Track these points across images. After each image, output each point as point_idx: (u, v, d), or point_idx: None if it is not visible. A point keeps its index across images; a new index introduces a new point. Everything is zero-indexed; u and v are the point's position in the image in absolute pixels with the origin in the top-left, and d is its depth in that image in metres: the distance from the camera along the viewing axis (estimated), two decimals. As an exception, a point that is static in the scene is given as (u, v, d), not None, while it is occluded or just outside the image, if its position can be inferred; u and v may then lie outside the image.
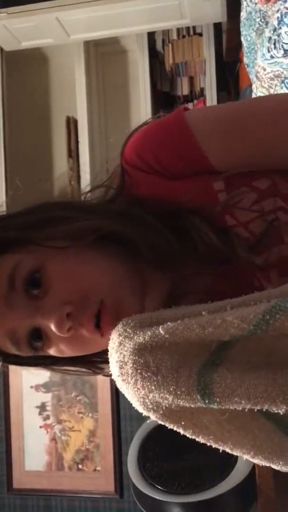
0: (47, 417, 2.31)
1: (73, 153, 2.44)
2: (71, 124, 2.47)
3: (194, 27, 2.30)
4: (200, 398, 0.45)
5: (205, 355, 0.47)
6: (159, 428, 1.80)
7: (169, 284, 0.59)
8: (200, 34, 2.30)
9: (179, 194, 0.57)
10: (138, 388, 0.48)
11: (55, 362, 0.59)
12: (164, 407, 0.48)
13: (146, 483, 1.60)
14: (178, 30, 2.32)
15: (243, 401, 0.44)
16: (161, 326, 0.48)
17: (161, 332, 0.48)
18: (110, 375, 0.62)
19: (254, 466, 1.51)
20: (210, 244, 0.55)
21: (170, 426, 0.51)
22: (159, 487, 1.57)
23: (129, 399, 0.51)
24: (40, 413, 2.32)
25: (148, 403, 0.48)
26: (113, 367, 0.50)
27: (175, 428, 0.51)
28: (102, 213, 0.58)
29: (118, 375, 0.49)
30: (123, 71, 2.58)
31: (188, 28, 2.31)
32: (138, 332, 0.49)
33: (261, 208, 0.56)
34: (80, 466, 2.25)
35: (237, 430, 0.49)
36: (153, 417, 0.50)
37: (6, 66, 2.39)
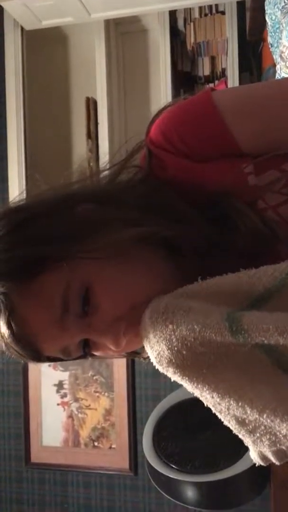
0: (65, 395, 2.36)
1: (92, 134, 2.43)
2: (91, 105, 2.45)
3: (216, 5, 2.24)
4: (227, 326, 0.46)
5: (236, 307, 0.48)
6: (174, 408, 1.83)
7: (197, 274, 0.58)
8: (223, 13, 2.24)
9: (208, 177, 0.56)
10: (166, 325, 0.48)
11: (94, 355, 0.59)
12: (187, 347, 0.48)
13: (160, 461, 1.63)
14: (200, 8, 2.27)
15: (271, 329, 0.44)
16: (195, 282, 0.50)
17: (195, 285, 0.50)
18: (147, 358, 0.64)
19: (268, 448, 1.51)
20: (253, 228, 0.54)
21: (190, 380, 0.50)
22: (173, 466, 1.60)
23: (151, 345, 0.50)
24: (57, 391, 2.37)
25: (174, 340, 0.48)
26: (145, 311, 0.50)
27: (194, 385, 0.50)
28: (142, 210, 0.55)
29: (149, 318, 0.49)
30: (144, 51, 2.55)
31: (210, 6, 2.25)
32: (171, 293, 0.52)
33: None
34: (96, 443, 2.31)
35: (259, 382, 0.49)
36: (174, 367, 0.49)
37: (26, 45, 2.37)
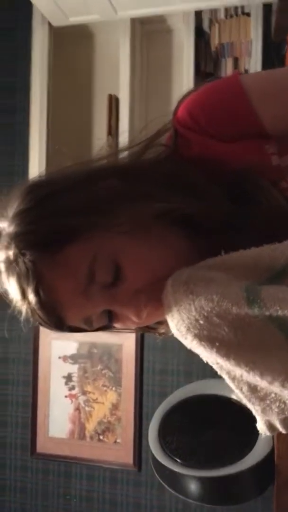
0: (73, 388, 2.38)
1: (113, 131, 2.45)
2: (113, 102, 2.48)
3: (242, 7, 2.25)
4: (245, 296, 0.47)
5: (257, 279, 0.50)
6: (181, 404, 1.83)
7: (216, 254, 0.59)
8: (248, 14, 2.25)
9: (232, 156, 0.58)
10: (187, 295, 0.50)
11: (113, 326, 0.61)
12: (204, 317, 0.49)
13: (165, 454, 1.63)
14: (226, 9, 2.28)
15: (287, 300, 0.46)
16: (218, 256, 0.52)
17: (217, 258, 0.52)
18: (163, 334, 0.66)
19: (273, 447, 1.51)
20: (276, 204, 0.55)
21: (205, 349, 0.51)
22: (178, 460, 1.60)
23: (172, 313, 0.51)
24: (66, 383, 2.39)
25: (192, 310, 0.50)
26: (168, 283, 0.52)
27: (208, 354, 0.51)
28: (166, 187, 0.57)
29: (171, 287, 0.51)
30: (168, 51, 2.57)
31: (236, 8, 2.26)
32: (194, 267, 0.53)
33: None
34: (101, 437, 2.32)
35: (270, 356, 0.50)
36: (192, 335, 0.51)
37: (53, 41, 2.42)
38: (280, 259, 0.50)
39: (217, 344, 0.50)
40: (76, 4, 2.22)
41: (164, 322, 0.64)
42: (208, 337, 0.50)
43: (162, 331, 0.67)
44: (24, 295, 0.56)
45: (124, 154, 0.63)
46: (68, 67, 2.57)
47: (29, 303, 0.56)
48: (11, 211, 0.56)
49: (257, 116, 0.57)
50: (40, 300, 0.54)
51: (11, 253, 0.55)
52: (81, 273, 0.53)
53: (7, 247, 0.56)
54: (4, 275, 0.57)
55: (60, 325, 0.56)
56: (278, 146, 0.58)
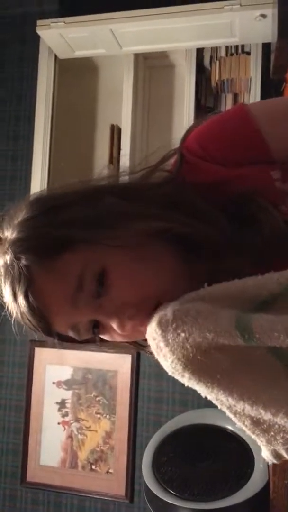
0: (66, 414, 2.35)
1: (114, 160, 2.51)
2: (115, 132, 2.54)
3: (243, 46, 2.35)
4: (239, 334, 0.47)
5: (244, 309, 0.50)
6: (176, 434, 1.81)
7: (210, 274, 0.61)
8: (248, 53, 2.34)
9: (239, 179, 0.60)
10: (178, 333, 0.50)
11: (104, 340, 0.63)
12: (203, 353, 0.49)
13: (159, 485, 1.60)
14: (226, 47, 2.37)
15: (282, 336, 0.46)
16: (201, 288, 0.52)
17: (201, 290, 0.52)
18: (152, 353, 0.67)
19: (268, 480, 1.49)
20: (277, 226, 0.57)
21: (205, 385, 0.51)
22: (172, 491, 1.57)
23: (164, 353, 0.51)
24: (59, 410, 2.36)
25: (188, 348, 0.49)
26: (153, 321, 0.52)
27: (209, 390, 0.51)
28: (165, 207, 0.59)
29: (158, 327, 0.51)
30: (169, 85, 2.65)
31: (236, 47, 2.36)
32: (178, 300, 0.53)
33: None
34: (93, 467, 2.28)
35: (271, 386, 0.50)
36: (190, 372, 0.50)
37: (58, 73, 2.49)
38: (263, 290, 0.50)
39: (219, 377, 0.50)
40: (82, 38, 2.31)
41: None
42: (208, 372, 0.50)
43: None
44: (15, 297, 0.58)
45: (126, 177, 0.66)
46: (72, 98, 2.64)
47: (19, 306, 0.58)
48: (16, 220, 0.60)
49: (263, 140, 0.59)
50: (29, 304, 0.56)
51: (8, 257, 0.58)
52: (71, 281, 0.55)
53: (6, 252, 0.59)
54: (2, 279, 0.60)
55: (48, 330, 0.58)
56: (282, 172, 0.61)
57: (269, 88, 2.23)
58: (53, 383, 2.38)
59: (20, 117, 2.56)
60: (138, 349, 0.68)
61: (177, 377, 0.53)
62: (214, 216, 0.59)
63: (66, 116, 2.59)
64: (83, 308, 0.56)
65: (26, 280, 0.56)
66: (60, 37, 2.32)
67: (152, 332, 0.52)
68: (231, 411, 0.54)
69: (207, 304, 0.51)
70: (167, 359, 0.52)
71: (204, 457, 1.67)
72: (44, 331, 0.59)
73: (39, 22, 2.29)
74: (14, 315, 0.60)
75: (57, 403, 2.37)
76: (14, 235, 0.59)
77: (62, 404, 2.36)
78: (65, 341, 0.62)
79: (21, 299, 0.57)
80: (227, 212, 0.59)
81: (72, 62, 2.50)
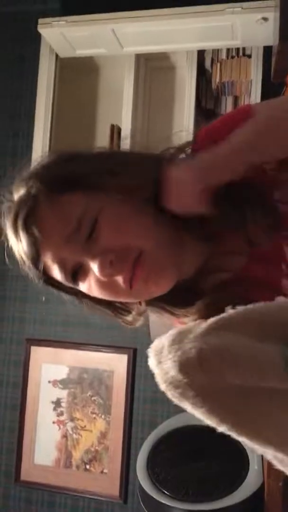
0: (61, 413, 2.34)
1: (113, 160, 2.51)
2: (115, 132, 2.54)
3: (244, 48, 2.35)
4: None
5: (281, 336, 0.45)
6: (171, 435, 1.81)
7: (205, 256, 0.65)
8: (249, 56, 2.35)
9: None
10: (214, 375, 0.44)
11: (85, 296, 0.66)
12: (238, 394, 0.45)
13: (153, 486, 1.60)
14: (228, 50, 2.38)
15: None
16: (227, 309, 0.48)
17: (229, 313, 0.47)
18: (129, 323, 0.69)
19: (263, 482, 1.49)
20: (260, 222, 0.61)
21: (248, 435, 0.47)
22: (166, 492, 1.57)
23: (194, 404, 0.47)
24: (54, 409, 2.36)
25: (233, 395, 0.45)
26: (174, 364, 0.46)
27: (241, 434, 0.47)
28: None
29: (179, 372, 0.46)
30: (170, 86, 2.66)
31: (238, 49, 2.36)
32: (197, 324, 0.48)
33: None
34: (87, 466, 2.27)
35: None
36: (229, 424, 0.47)
37: (59, 72, 2.49)
38: None
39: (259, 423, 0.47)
40: (84, 37, 2.31)
41: (132, 310, 0.69)
42: (249, 418, 0.47)
43: (129, 319, 0.70)
44: (16, 220, 0.62)
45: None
46: (73, 97, 2.64)
47: (17, 228, 0.62)
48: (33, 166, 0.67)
49: None
50: (27, 227, 0.61)
51: (24, 185, 0.64)
52: (71, 220, 0.60)
53: (25, 181, 0.65)
54: (12, 207, 0.64)
55: (36, 258, 0.62)
56: (275, 162, 0.63)
57: (269, 91, 2.23)
58: (49, 382, 2.37)
59: (20, 115, 2.55)
60: (115, 313, 0.69)
61: (211, 423, 0.49)
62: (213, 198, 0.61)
63: (66, 115, 2.59)
64: (74, 247, 0.60)
65: (31, 205, 0.62)
66: (61, 36, 2.32)
67: (174, 378, 0.47)
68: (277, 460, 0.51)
69: (229, 333, 0.46)
70: (197, 408, 0.48)
71: (199, 458, 1.67)
72: (33, 260, 0.62)
73: (40, 20, 2.29)
74: (11, 240, 0.64)
75: (52, 402, 2.37)
76: (30, 171, 0.66)
77: (57, 403, 2.36)
78: (47, 283, 0.65)
79: (20, 221, 0.61)
80: (220, 195, 0.61)
81: (73, 61, 2.50)
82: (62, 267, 0.61)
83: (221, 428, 0.48)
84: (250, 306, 0.48)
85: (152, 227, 0.61)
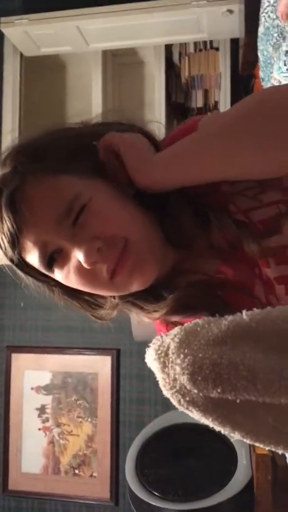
0: (46, 420, 2.31)
1: (85, 159, 2.47)
2: (86, 131, 2.50)
3: (211, 42, 2.34)
4: None
5: None
6: (159, 435, 1.80)
7: (177, 258, 0.64)
8: (217, 49, 2.34)
9: None
10: (219, 393, 0.40)
11: (58, 285, 0.64)
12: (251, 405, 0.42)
13: (143, 488, 1.59)
14: (195, 43, 2.36)
15: None
16: (244, 313, 0.42)
17: (245, 319, 0.41)
18: (101, 318, 0.67)
19: (252, 477, 1.50)
20: (227, 233, 0.61)
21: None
22: (156, 493, 1.56)
23: (204, 414, 0.45)
24: (39, 415, 2.32)
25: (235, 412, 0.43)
26: (183, 370, 0.42)
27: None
28: None
29: (189, 381, 0.42)
30: (139, 82, 2.63)
31: (205, 42, 2.35)
32: (206, 325, 0.43)
33: (260, 199, 0.62)
34: (76, 471, 2.25)
35: None
36: (230, 426, 0.45)
37: (25, 71, 2.44)
38: None
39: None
40: (48, 35, 2.26)
41: (103, 305, 0.67)
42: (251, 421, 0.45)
43: (100, 313, 0.68)
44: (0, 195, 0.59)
45: None
46: (40, 96, 2.59)
47: (3, 203, 0.59)
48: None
49: None
50: (12, 203, 0.58)
51: (7, 162, 0.62)
52: (62, 203, 0.58)
53: (9, 158, 0.62)
54: None
55: (15, 238, 0.59)
56: None
57: (239, 84, 2.23)
58: (32, 388, 2.34)
59: (-13, 117, 2.49)
60: (83, 306, 0.67)
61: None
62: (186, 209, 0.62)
63: (34, 115, 2.53)
64: (61, 230, 0.58)
65: (18, 182, 0.59)
66: (25, 34, 2.27)
67: (182, 386, 0.43)
68: None
69: (254, 347, 0.41)
70: (206, 417, 0.44)
71: (187, 456, 1.67)
72: (12, 239, 0.59)
73: (2, 19, 2.23)
74: None
75: (36, 409, 2.33)
76: (14, 147, 0.63)
77: (42, 409, 2.33)
78: (20, 268, 0.63)
79: (5, 198, 0.58)
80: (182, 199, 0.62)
81: (39, 60, 2.45)
82: (42, 250, 0.59)
83: (235, 435, 0.46)
84: (270, 310, 0.43)
85: (139, 220, 0.61)
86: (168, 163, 0.59)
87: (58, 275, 0.61)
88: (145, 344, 0.48)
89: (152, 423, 1.89)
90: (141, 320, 0.70)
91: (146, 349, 0.47)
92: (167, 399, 0.45)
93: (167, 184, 0.60)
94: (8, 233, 0.59)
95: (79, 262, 0.58)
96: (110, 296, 0.66)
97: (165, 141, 0.66)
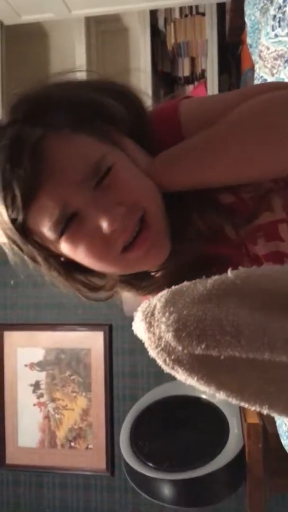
0: (41, 395, 2.33)
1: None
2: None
3: (197, 7, 2.25)
4: None
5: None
6: (152, 407, 1.83)
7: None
8: (203, 14, 2.25)
9: None
10: (204, 350, 0.40)
11: (56, 261, 0.61)
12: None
13: (137, 460, 1.62)
14: (180, 9, 2.28)
15: None
16: (229, 271, 0.42)
17: (230, 277, 0.41)
18: (95, 299, 0.66)
19: (244, 446, 1.53)
20: (209, 222, 0.61)
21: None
22: (150, 464, 1.60)
23: (189, 373, 0.44)
24: (34, 391, 2.34)
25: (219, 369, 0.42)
26: (168, 328, 0.41)
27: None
28: None
29: (174, 338, 0.41)
30: (124, 50, 2.54)
31: (191, 7, 2.27)
32: (192, 285, 0.43)
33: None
34: (72, 444, 2.29)
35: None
36: (215, 386, 0.45)
37: (5, 40, 2.34)
38: None
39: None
40: (28, 2, 2.17)
41: (102, 284, 0.65)
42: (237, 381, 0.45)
43: (107, 293, 0.67)
44: (17, 146, 0.54)
45: None
46: (23, 66, 2.50)
47: (15, 156, 0.54)
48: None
49: (181, 133, 0.62)
50: (31, 156, 0.54)
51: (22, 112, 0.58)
52: (87, 164, 0.55)
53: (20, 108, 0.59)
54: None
55: (30, 195, 0.54)
56: None
57: (226, 51, 2.16)
58: (25, 365, 2.35)
59: None
60: (82, 285, 0.64)
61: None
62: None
63: (17, 85, 2.45)
64: (85, 193, 0.55)
65: (38, 134, 0.55)
66: (4, 1, 2.17)
67: (167, 344, 0.42)
68: None
69: (239, 304, 0.41)
70: (191, 376, 0.44)
71: (180, 427, 1.70)
72: (25, 195, 0.54)
73: (-21, -15, 2.12)
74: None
75: (31, 385, 2.34)
76: (27, 96, 0.60)
77: (36, 385, 2.34)
78: (21, 233, 0.57)
79: (24, 151, 0.53)
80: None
81: (20, 28, 2.35)
82: (62, 211, 0.55)
83: (220, 395, 0.45)
84: (255, 269, 0.42)
85: (158, 193, 0.59)
86: (177, 171, 0.59)
87: (65, 244, 0.57)
88: (136, 319, 0.47)
89: (145, 396, 1.92)
90: (131, 296, 0.69)
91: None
92: (160, 373, 0.44)
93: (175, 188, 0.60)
94: (21, 189, 0.53)
95: (96, 228, 0.55)
96: (109, 276, 0.64)
97: (152, 118, 0.64)
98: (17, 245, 0.59)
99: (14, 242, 0.58)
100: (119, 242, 0.56)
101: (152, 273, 0.65)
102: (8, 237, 0.58)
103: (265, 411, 0.47)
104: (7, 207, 0.55)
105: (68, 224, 0.56)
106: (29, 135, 0.55)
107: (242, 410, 1.70)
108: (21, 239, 0.58)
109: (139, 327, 0.45)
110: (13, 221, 0.56)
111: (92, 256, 0.57)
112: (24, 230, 0.57)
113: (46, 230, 0.56)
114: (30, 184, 0.53)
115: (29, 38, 2.52)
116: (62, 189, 0.55)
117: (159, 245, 0.58)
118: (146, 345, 0.45)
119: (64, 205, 0.55)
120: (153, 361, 0.45)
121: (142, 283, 0.64)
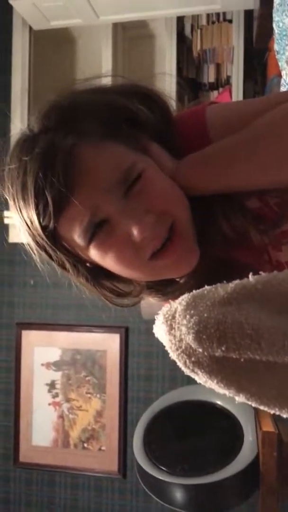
0: (56, 395, 2.35)
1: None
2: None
3: (224, 13, 2.27)
4: None
5: None
6: (166, 411, 1.82)
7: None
8: (230, 21, 2.26)
9: None
10: (224, 354, 0.41)
11: (90, 271, 0.61)
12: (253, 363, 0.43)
13: (150, 463, 1.62)
14: (207, 15, 2.29)
15: None
16: (250, 276, 0.43)
17: (251, 281, 0.42)
18: (122, 306, 0.65)
19: (258, 453, 1.52)
20: (236, 227, 0.60)
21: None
22: (163, 468, 1.59)
23: (210, 374, 0.44)
24: (49, 391, 2.36)
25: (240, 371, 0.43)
26: (189, 330, 0.42)
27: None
28: None
29: (194, 340, 0.42)
30: (150, 56, 2.57)
31: (218, 14, 2.28)
32: (213, 289, 0.44)
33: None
34: (85, 445, 2.30)
35: None
36: (235, 388, 0.45)
37: (34, 45, 2.39)
38: None
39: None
40: (57, 8, 2.20)
41: (129, 291, 0.65)
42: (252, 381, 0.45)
43: (133, 299, 0.67)
44: (51, 153, 0.55)
45: None
46: (50, 71, 2.54)
47: (48, 163, 0.55)
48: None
49: (210, 139, 0.62)
50: (64, 164, 0.54)
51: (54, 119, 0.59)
52: (118, 171, 0.56)
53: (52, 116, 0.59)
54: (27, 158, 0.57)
55: (62, 201, 0.55)
56: None
57: (252, 58, 2.17)
58: (42, 365, 2.37)
59: (-4, 92, 2.46)
60: (110, 292, 0.65)
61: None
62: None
63: (44, 89, 2.50)
64: (115, 200, 0.56)
65: (70, 142, 0.56)
66: (33, 7, 2.21)
67: (188, 346, 0.43)
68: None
69: (259, 309, 0.41)
70: (211, 378, 0.45)
71: (194, 432, 1.69)
72: (57, 202, 0.55)
73: (11, -9, 2.18)
74: (27, 179, 0.56)
75: (46, 384, 2.37)
76: (57, 104, 0.60)
77: (51, 385, 2.36)
78: (60, 249, 0.58)
79: (57, 158, 0.54)
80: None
81: (48, 33, 2.40)
82: (92, 216, 0.55)
83: (239, 398, 0.45)
84: (276, 274, 0.43)
85: (186, 202, 0.59)
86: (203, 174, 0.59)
87: (95, 250, 0.57)
88: (153, 322, 0.48)
89: (160, 400, 1.91)
90: (149, 300, 0.69)
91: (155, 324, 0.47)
92: (174, 377, 0.45)
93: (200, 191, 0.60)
94: (54, 197, 0.54)
95: (126, 235, 0.56)
96: (136, 283, 0.64)
97: (177, 122, 0.64)
98: (47, 252, 0.60)
99: (43, 249, 0.59)
100: (148, 249, 0.56)
101: (177, 279, 0.65)
102: (38, 244, 0.59)
103: (284, 415, 0.47)
104: (38, 215, 0.56)
105: (97, 230, 0.56)
106: (61, 144, 0.55)
107: (258, 418, 1.68)
108: (52, 246, 0.58)
109: (160, 330, 0.46)
110: (44, 228, 0.56)
111: (121, 262, 0.58)
112: (54, 237, 0.58)
113: (76, 236, 0.57)
114: (62, 192, 0.54)
115: (57, 43, 2.56)
116: (93, 196, 0.55)
117: (189, 255, 0.58)
118: (167, 347, 0.45)
119: (94, 212, 0.56)
120: (168, 365, 0.45)
121: (167, 288, 0.64)
